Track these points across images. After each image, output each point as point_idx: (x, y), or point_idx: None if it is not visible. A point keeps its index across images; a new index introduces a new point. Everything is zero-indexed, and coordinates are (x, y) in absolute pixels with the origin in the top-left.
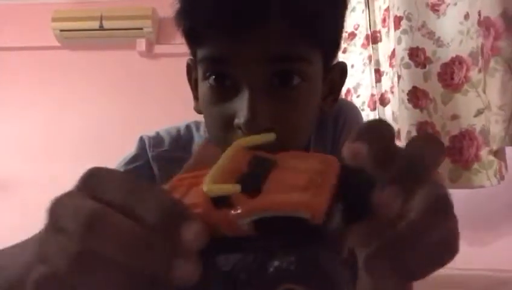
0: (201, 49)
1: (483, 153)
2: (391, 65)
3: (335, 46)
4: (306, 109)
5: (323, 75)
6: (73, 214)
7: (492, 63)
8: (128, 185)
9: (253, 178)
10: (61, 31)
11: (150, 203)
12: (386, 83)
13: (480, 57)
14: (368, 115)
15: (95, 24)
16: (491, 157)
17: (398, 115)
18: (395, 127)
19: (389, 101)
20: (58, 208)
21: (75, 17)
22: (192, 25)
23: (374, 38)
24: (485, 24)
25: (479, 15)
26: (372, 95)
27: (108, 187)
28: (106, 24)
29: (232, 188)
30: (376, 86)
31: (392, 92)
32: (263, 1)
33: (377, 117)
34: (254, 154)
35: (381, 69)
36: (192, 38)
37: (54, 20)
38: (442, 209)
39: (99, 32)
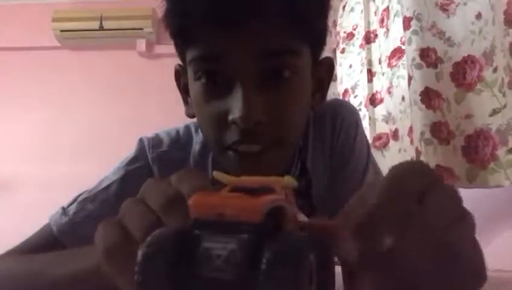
0: (192, 49)
1: (501, 152)
2: (390, 65)
3: (321, 40)
4: (297, 102)
5: (311, 71)
6: (156, 194)
7: None
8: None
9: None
10: (62, 31)
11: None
12: (377, 83)
13: (495, 57)
14: (364, 115)
15: (95, 24)
16: (510, 157)
17: (395, 115)
18: (392, 127)
19: (380, 102)
20: (148, 188)
21: (75, 17)
22: (183, 24)
23: (367, 39)
24: None
25: (506, 14)
26: (368, 95)
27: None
28: (106, 24)
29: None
30: (367, 86)
31: (390, 92)
32: None
33: (367, 117)
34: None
35: (373, 69)
36: (183, 39)
37: (54, 20)
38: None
39: (99, 33)
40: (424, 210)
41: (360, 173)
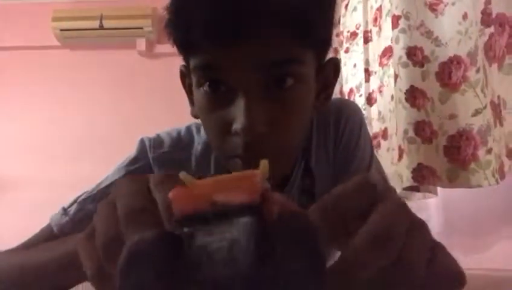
0: (194, 57)
1: (481, 152)
2: (381, 64)
3: (326, 45)
4: (300, 110)
5: (315, 73)
6: (124, 199)
7: (507, 60)
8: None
9: None
10: (61, 30)
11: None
12: (374, 82)
13: (478, 57)
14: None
15: (95, 23)
16: (489, 157)
17: (385, 114)
18: (382, 126)
19: (375, 101)
20: (119, 190)
21: (75, 16)
22: (185, 35)
23: (365, 38)
24: (498, 20)
25: (483, 14)
26: (365, 94)
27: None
28: (106, 23)
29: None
30: (365, 86)
31: (380, 92)
32: (255, 10)
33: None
34: None
35: (370, 68)
36: (185, 48)
37: (54, 19)
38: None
39: (99, 32)
40: (366, 226)
41: (363, 172)
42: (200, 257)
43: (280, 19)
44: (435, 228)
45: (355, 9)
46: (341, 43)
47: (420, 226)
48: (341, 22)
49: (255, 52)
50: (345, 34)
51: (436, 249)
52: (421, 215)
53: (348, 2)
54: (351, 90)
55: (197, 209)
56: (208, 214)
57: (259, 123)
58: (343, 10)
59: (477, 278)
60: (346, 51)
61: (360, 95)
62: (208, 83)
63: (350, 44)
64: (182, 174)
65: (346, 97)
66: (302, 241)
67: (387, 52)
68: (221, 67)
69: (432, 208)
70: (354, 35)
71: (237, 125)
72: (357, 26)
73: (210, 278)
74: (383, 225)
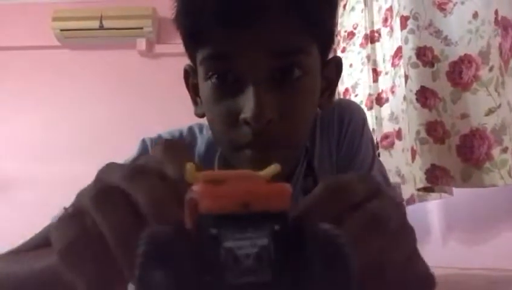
0: (203, 49)
1: (495, 152)
2: (394, 65)
3: (330, 39)
4: (307, 101)
5: (320, 69)
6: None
7: (511, 64)
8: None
9: None
10: (62, 30)
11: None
12: (383, 82)
13: (490, 56)
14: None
15: (95, 23)
16: (505, 156)
17: (398, 114)
18: (395, 126)
19: (386, 101)
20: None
21: (75, 16)
22: (194, 25)
23: (371, 38)
24: (502, 24)
25: (496, 14)
26: (370, 95)
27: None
28: (106, 23)
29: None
30: (372, 86)
31: (393, 92)
32: None
33: (374, 117)
34: None
35: (378, 68)
36: (194, 39)
37: (54, 19)
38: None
39: (99, 32)
40: (363, 213)
41: (365, 172)
42: (226, 260)
43: (290, 10)
44: (435, 227)
45: (352, 9)
46: (338, 43)
47: (410, 231)
48: (339, 21)
49: (264, 40)
50: (342, 33)
51: (413, 255)
52: (421, 214)
53: (347, 2)
54: (346, 90)
55: (227, 210)
56: (239, 217)
57: (268, 111)
58: (341, 10)
59: (477, 278)
60: (343, 51)
61: (356, 95)
62: (216, 74)
63: (347, 44)
64: (189, 165)
65: (341, 97)
66: (337, 264)
67: (399, 52)
68: (231, 55)
69: (432, 207)
70: (351, 35)
71: (246, 114)
72: (354, 26)
73: (236, 286)
74: (377, 212)
